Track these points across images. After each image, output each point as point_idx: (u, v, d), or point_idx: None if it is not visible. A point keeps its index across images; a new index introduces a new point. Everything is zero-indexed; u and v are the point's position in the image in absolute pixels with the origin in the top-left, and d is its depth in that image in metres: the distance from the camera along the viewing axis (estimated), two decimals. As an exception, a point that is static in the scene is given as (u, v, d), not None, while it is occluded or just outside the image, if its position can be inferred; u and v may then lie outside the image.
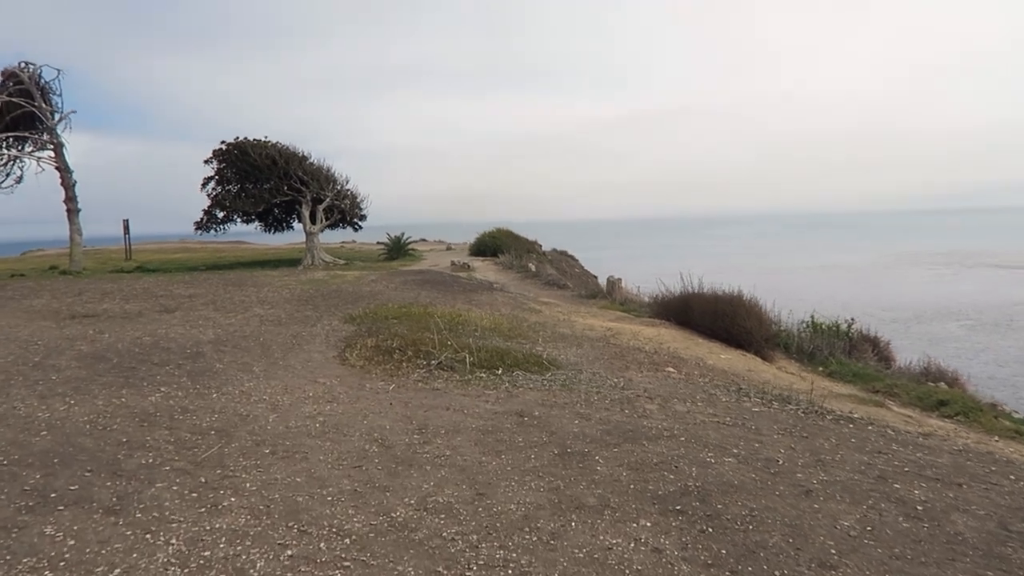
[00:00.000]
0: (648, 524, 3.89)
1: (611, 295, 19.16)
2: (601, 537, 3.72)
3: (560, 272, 26.67)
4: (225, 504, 4.01)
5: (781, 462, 4.93)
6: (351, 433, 5.43)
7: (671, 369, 9.37)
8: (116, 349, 8.40)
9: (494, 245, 30.09)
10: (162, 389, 6.61)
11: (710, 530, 3.82)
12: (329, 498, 4.14)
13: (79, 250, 24.29)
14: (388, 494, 4.22)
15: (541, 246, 35.40)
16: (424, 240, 40.76)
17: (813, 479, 4.59)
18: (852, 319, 14.85)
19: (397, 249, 29.89)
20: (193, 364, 7.79)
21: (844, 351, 12.99)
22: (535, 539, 3.68)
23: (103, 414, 5.65)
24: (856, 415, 6.84)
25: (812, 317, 14.50)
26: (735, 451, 5.14)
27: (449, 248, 36.06)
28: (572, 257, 37.47)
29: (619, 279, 21.13)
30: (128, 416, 5.62)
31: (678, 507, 4.10)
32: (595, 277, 32.64)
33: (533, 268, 24.90)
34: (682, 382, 8.28)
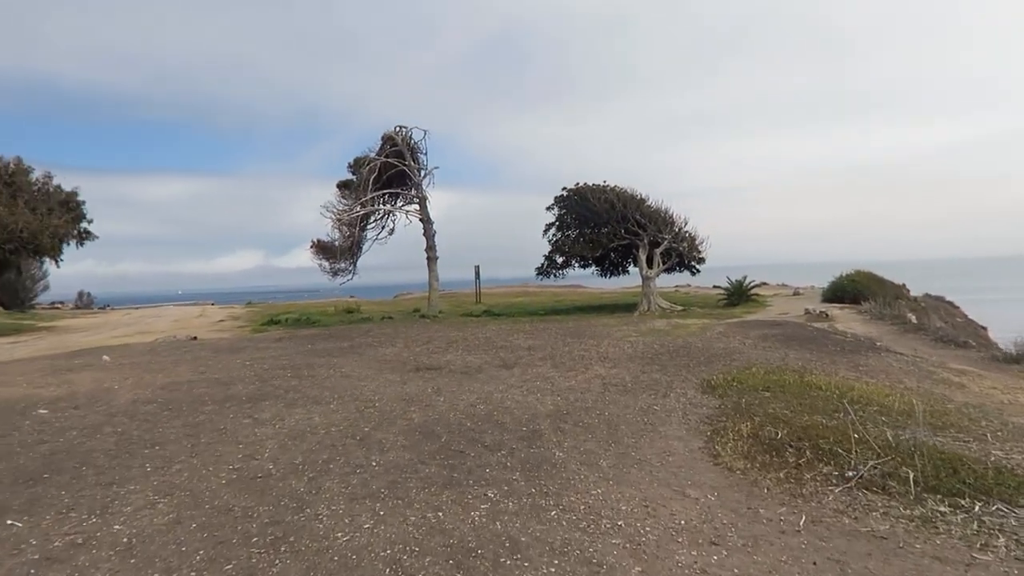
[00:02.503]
0: None
1: (1045, 358, 13.97)
2: None
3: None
4: None
5: None
6: (770, 636, 3.19)
7: None
8: (447, 421, 7.32)
9: (854, 290, 25.97)
10: (489, 494, 5.08)
11: None
12: None
13: (436, 295, 26.13)
14: None
15: (909, 291, 29.64)
16: (765, 284, 36.98)
17: None
18: None
19: (739, 294, 27.06)
20: (528, 449, 6.27)
21: None
22: None
23: (410, 545, 4.17)
24: None
25: None
26: None
27: (796, 293, 31.80)
28: (951, 303, 30.87)
29: (1052, 336, 15.59)
30: (441, 555, 4.05)
31: None
32: (984, 328, 26.50)
33: (914, 319, 20.05)
34: None
